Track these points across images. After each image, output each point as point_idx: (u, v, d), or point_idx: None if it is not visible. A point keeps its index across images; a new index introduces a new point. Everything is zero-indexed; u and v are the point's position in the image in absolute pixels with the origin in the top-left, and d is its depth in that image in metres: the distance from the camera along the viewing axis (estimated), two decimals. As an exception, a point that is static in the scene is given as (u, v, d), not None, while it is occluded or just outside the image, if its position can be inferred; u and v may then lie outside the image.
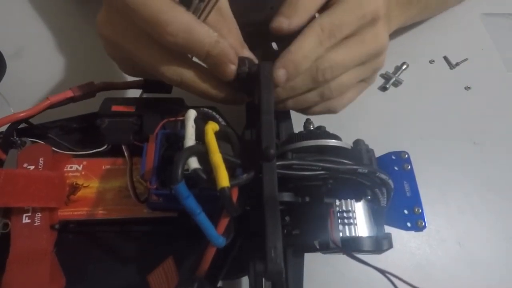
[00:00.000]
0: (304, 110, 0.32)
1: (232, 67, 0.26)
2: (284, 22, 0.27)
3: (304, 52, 0.26)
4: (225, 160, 0.19)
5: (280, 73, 0.26)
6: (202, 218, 0.18)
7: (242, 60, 0.27)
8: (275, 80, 0.26)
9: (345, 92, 0.30)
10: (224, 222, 0.19)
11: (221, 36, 0.26)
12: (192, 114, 0.21)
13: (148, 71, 0.27)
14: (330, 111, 0.32)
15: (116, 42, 0.27)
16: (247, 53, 0.28)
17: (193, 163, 0.18)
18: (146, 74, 0.31)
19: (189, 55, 0.28)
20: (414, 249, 0.37)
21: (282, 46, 0.34)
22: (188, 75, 0.27)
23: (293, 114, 0.34)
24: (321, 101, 0.30)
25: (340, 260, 0.35)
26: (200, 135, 0.20)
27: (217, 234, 0.19)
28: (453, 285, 0.35)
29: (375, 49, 0.29)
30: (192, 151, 0.19)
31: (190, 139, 0.20)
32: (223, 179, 0.18)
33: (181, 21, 0.24)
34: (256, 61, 0.28)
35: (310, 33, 0.26)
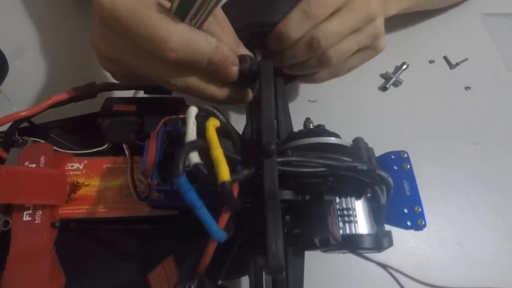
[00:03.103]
0: (311, 79, 0.37)
1: (234, 68, 0.27)
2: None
3: (290, 25, 0.30)
4: (226, 156, 0.19)
5: (272, 44, 0.30)
6: (203, 212, 0.18)
7: (243, 58, 0.27)
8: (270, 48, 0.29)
9: (347, 58, 0.33)
10: (225, 217, 0.19)
11: (216, 37, 0.26)
12: (193, 110, 0.21)
13: (149, 80, 0.27)
14: (335, 75, 0.36)
15: (114, 58, 0.27)
16: (242, 50, 0.29)
17: (194, 158, 0.19)
18: (145, 82, 0.31)
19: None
20: (414, 249, 0.37)
21: None
22: (193, 81, 0.27)
23: (293, 114, 0.34)
24: (321, 67, 0.33)
25: (340, 259, 0.35)
26: (201, 131, 0.20)
27: (218, 228, 0.19)
28: (453, 285, 0.35)
29: (366, 15, 0.31)
30: (193, 146, 0.19)
31: (191, 135, 0.20)
32: (224, 173, 0.18)
33: (179, 35, 0.24)
34: (254, 57, 0.29)
35: (296, 8, 0.30)
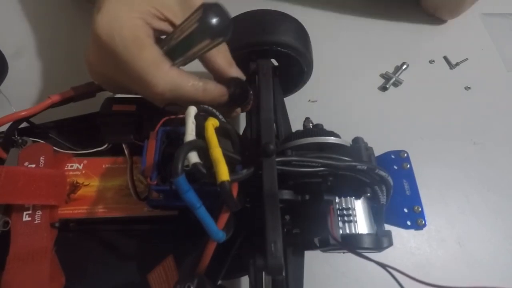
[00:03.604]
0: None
1: (224, 98, 0.28)
2: None
3: None
4: (225, 156, 0.19)
5: None
6: (202, 212, 0.18)
7: (232, 82, 0.28)
8: None
9: None
10: (224, 217, 0.19)
11: (211, 57, 0.28)
12: (192, 110, 0.21)
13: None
14: None
15: (106, 75, 0.28)
16: (234, 71, 0.29)
17: (193, 157, 0.18)
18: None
19: None
20: (414, 249, 0.37)
21: (281, 62, 0.36)
22: (182, 103, 0.28)
23: (293, 114, 0.34)
24: None
25: (340, 259, 0.35)
26: (200, 131, 0.20)
27: (217, 228, 0.19)
28: (453, 285, 0.35)
29: None
30: (192, 146, 0.19)
31: (190, 135, 0.20)
32: (223, 173, 0.18)
33: (165, 81, 0.25)
34: (243, 77, 0.30)
35: None
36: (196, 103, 0.27)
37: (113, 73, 0.27)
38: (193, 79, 0.26)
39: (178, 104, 0.27)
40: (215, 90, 0.27)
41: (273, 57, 0.35)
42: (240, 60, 0.30)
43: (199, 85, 0.26)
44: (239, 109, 0.32)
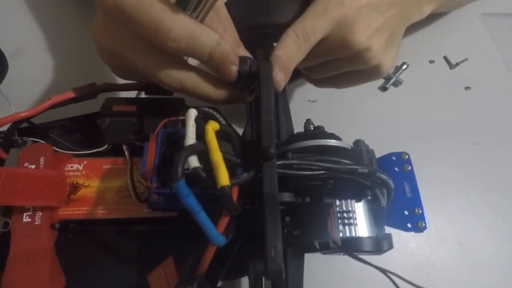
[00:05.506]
0: (313, 81, 0.39)
1: (234, 68, 0.27)
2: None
3: (289, 56, 0.29)
4: (226, 159, 0.19)
5: (280, 77, 0.28)
6: (202, 217, 0.18)
7: (243, 60, 0.27)
8: (277, 84, 0.27)
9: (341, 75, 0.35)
10: (224, 221, 0.19)
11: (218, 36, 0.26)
12: (193, 113, 0.21)
13: (146, 77, 0.27)
14: (335, 87, 0.38)
15: (113, 49, 0.27)
16: (243, 52, 0.28)
17: (193, 161, 0.18)
18: (143, 79, 0.31)
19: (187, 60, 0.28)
20: (414, 249, 0.37)
21: None
22: (187, 79, 0.27)
23: (293, 114, 0.34)
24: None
25: (340, 260, 0.35)
26: (200, 134, 0.20)
27: (217, 233, 0.19)
28: (453, 285, 0.35)
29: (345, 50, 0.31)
30: (192, 150, 0.19)
31: (190, 138, 0.20)
32: (223, 178, 0.18)
33: (182, 26, 0.24)
34: (254, 59, 0.28)
35: (287, 39, 0.29)
36: (202, 77, 0.27)
37: (117, 42, 0.26)
38: (208, 30, 0.25)
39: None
40: (227, 50, 0.26)
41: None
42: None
43: (215, 36, 0.25)
44: (247, 94, 0.31)
